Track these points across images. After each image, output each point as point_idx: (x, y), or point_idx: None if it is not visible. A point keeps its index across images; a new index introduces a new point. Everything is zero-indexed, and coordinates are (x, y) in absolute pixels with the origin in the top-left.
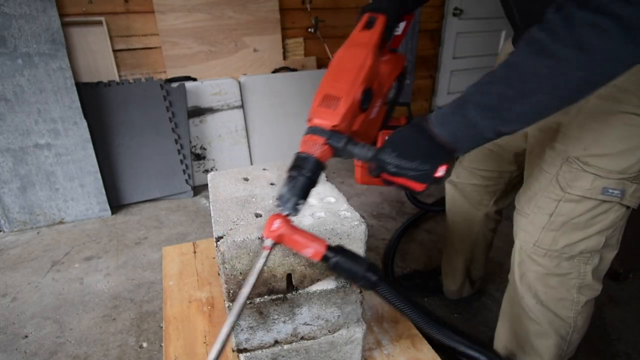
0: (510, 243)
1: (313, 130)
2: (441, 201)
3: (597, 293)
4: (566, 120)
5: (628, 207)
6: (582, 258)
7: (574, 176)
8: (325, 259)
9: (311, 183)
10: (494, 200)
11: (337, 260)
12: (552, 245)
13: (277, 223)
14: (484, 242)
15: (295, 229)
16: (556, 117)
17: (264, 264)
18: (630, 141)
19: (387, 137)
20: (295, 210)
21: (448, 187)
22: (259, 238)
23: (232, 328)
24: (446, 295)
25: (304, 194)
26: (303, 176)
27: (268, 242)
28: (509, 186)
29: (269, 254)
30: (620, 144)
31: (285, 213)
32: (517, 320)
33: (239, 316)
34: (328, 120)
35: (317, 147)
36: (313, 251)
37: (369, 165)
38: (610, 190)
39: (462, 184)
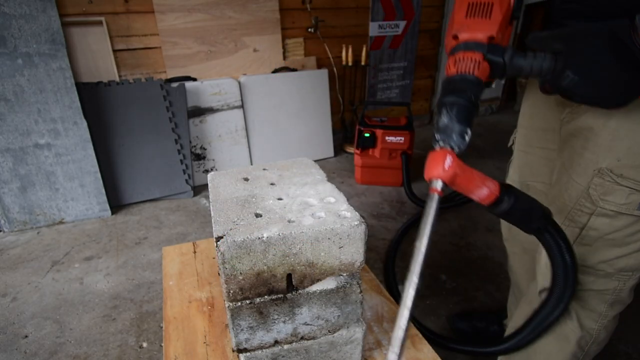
0: None
1: (465, 46)
2: (444, 199)
3: (625, 306)
4: (597, 125)
5: None
6: (621, 276)
7: (606, 190)
8: (498, 201)
9: (474, 107)
10: None
11: (512, 203)
12: (585, 260)
13: (449, 160)
14: None
15: (466, 167)
16: (588, 120)
17: (437, 210)
18: None
19: (560, 53)
20: (463, 141)
21: None
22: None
23: (417, 290)
24: None
25: (468, 121)
26: (464, 99)
27: (438, 185)
28: None
29: (440, 199)
30: None
31: (451, 147)
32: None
33: (421, 274)
34: (483, 30)
35: (474, 65)
36: (488, 191)
37: (544, 86)
38: None
39: None
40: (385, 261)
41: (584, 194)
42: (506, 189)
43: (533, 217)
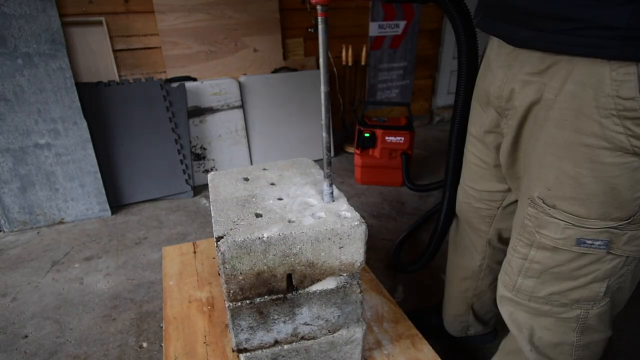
0: None
1: None
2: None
3: (607, 335)
4: (529, 147)
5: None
6: (581, 305)
7: (540, 222)
8: None
9: None
10: (492, 228)
11: None
12: (534, 292)
13: None
14: (490, 276)
15: None
16: (522, 142)
17: (326, 30)
18: (601, 183)
19: None
20: None
21: (457, 202)
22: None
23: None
24: (447, 330)
25: None
26: None
27: (319, 8)
28: (506, 210)
29: (326, 20)
30: (590, 186)
31: None
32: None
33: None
34: None
35: None
36: None
37: None
38: (589, 242)
39: (460, 203)
40: (394, 250)
41: (522, 223)
42: None
43: None
